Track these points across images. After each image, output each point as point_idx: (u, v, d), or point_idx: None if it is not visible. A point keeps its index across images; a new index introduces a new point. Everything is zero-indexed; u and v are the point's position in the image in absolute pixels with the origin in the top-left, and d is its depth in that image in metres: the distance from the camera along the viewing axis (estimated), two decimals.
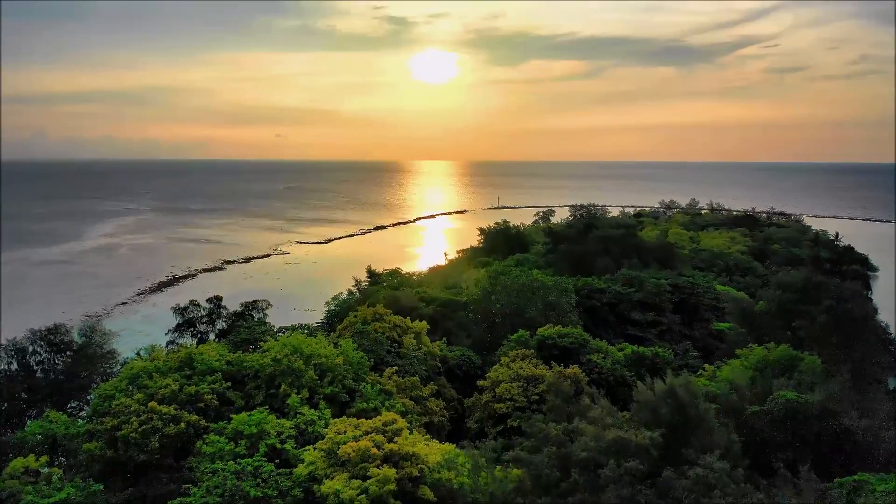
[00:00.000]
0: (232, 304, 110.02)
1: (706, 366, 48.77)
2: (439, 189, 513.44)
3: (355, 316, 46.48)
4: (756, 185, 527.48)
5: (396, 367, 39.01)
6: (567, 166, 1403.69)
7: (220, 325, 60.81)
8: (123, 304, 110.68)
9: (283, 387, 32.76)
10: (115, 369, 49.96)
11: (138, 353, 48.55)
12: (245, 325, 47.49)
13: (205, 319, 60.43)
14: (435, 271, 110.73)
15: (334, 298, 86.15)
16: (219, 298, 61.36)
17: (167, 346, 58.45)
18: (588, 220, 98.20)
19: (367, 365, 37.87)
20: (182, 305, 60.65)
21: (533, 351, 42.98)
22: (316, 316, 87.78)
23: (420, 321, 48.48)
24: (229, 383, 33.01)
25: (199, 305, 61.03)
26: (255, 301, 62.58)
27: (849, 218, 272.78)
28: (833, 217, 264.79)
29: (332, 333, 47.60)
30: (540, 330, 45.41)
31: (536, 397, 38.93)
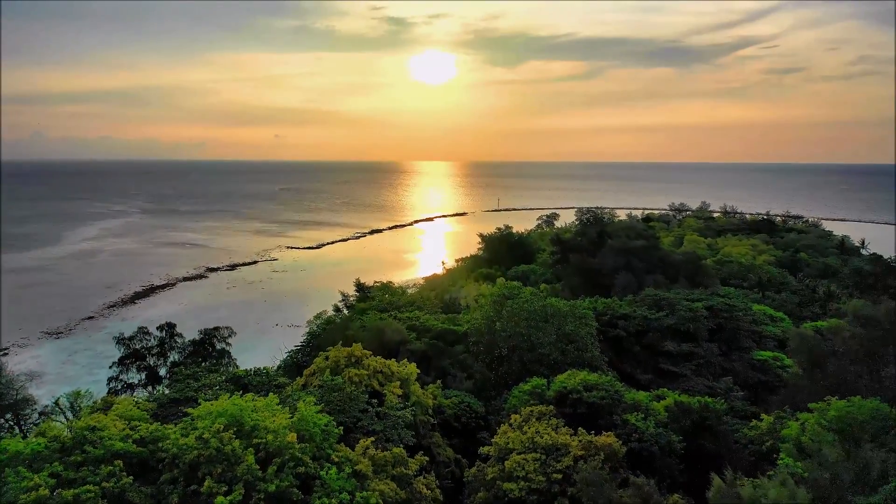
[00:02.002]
0: (210, 319, 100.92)
1: (764, 416, 39.26)
2: (438, 190, 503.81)
3: (326, 358, 36.85)
4: (757, 186, 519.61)
5: (374, 438, 29.41)
6: (566, 167, 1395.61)
7: (174, 356, 51.24)
8: (90, 318, 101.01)
9: (207, 482, 23.18)
10: (33, 418, 40.40)
11: (56, 403, 39.05)
12: (182, 374, 37.72)
13: (156, 350, 50.81)
14: (431, 282, 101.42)
15: (317, 317, 76.66)
16: (171, 326, 51.82)
17: (108, 385, 49.16)
18: (600, 229, 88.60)
19: (335, 434, 28.33)
20: (126, 335, 50.93)
21: (552, 407, 33.43)
22: (298, 334, 78.67)
23: (409, 363, 38.93)
24: (131, 478, 23.35)
25: (148, 333, 51.47)
26: (216, 328, 53.12)
27: (859, 221, 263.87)
28: (843, 220, 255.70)
29: (297, 378, 38.04)
30: (559, 378, 35.86)
31: (559, 476, 29.41)
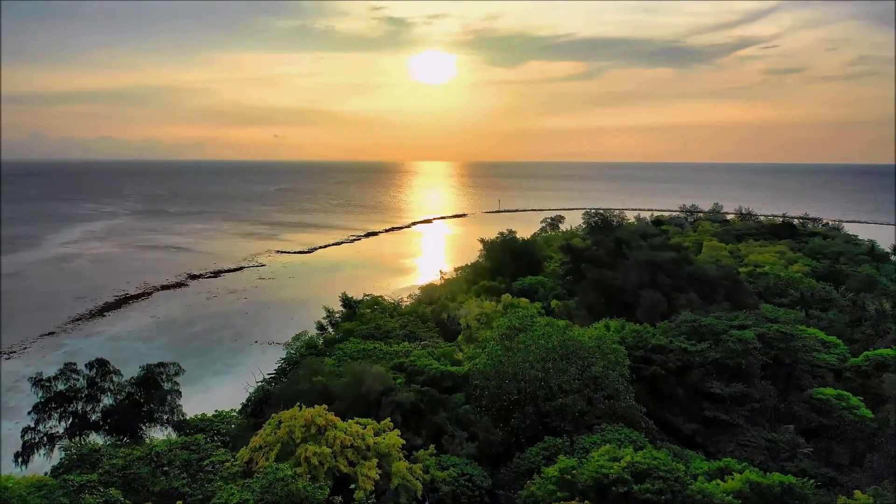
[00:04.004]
0: (183, 335, 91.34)
1: (857, 494, 29.87)
2: (437, 191, 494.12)
3: (279, 424, 27.29)
4: (760, 187, 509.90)
5: None
6: (566, 167, 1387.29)
7: (108, 400, 41.67)
8: (50, 333, 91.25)
9: None
10: None
11: None
12: (74, 453, 27.99)
13: (85, 393, 41.24)
14: (428, 292, 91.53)
15: (296, 338, 67.23)
16: (102, 363, 42.14)
17: (22, 438, 39.67)
18: (616, 236, 78.97)
19: None
20: (42, 375, 41.21)
21: None
22: (278, 353, 69.30)
23: (394, 423, 29.51)
24: None
25: (76, 371, 41.83)
26: (160, 364, 43.47)
27: (873, 223, 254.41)
28: (855, 221, 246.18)
29: (242, 449, 28.49)
30: (596, 455, 26.37)
31: None
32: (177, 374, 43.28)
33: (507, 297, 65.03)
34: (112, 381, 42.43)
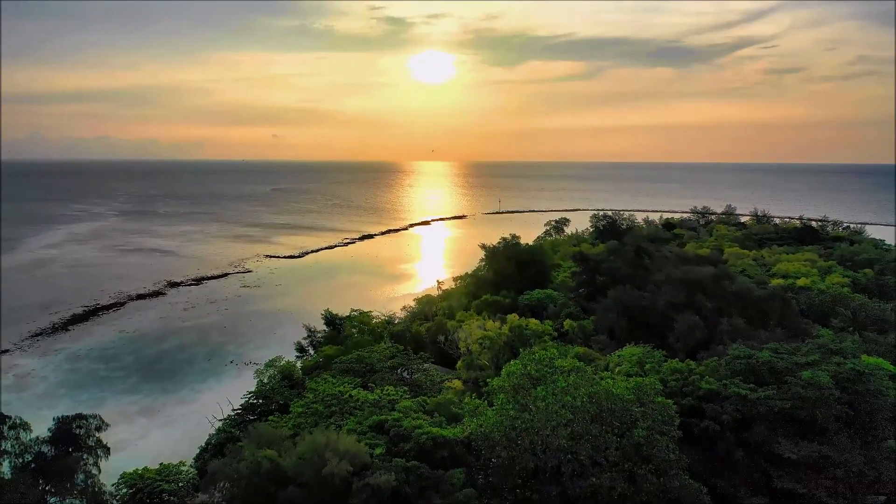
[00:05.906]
0: (150, 354, 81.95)
1: None
2: (437, 191, 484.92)
3: None
4: (760, 186, 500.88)
5: None
6: (566, 167, 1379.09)
7: (10, 463, 32.66)
8: (5, 351, 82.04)
9: None
10: None
11: None
12: None
13: None
14: (424, 305, 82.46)
15: (269, 364, 58.24)
16: (1, 418, 33.05)
17: None
18: (637, 245, 69.83)
19: None
20: None
21: None
22: (250, 380, 60.36)
23: None
24: None
25: None
26: (77, 416, 34.42)
27: (871, 223, 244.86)
28: (859, 223, 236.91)
29: None
30: None
31: None
32: (98, 428, 34.27)
33: (513, 318, 56.05)
34: (18, 438, 33.47)
